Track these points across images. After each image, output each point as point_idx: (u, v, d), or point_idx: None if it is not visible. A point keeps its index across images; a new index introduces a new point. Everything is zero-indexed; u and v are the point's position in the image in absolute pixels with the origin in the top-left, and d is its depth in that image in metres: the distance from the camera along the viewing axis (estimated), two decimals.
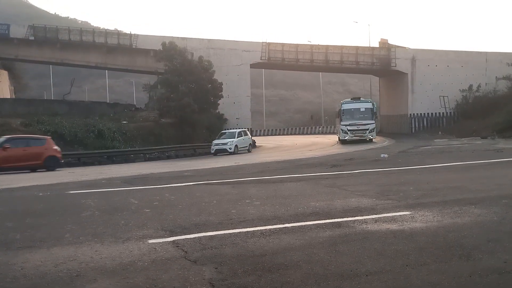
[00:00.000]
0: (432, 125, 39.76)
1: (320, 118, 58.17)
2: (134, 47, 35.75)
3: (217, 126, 33.56)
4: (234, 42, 37.60)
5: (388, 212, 5.93)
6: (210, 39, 37.45)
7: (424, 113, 40.13)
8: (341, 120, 30.85)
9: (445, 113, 39.61)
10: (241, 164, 15.95)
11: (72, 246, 4.71)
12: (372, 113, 30.48)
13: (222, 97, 32.20)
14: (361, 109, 30.81)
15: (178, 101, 27.90)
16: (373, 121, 30.48)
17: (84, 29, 40.73)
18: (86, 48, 36.45)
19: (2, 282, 3.64)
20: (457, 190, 7.73)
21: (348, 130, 30.05)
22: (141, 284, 3.51)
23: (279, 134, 56.44)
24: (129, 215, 6.40)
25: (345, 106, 30.98)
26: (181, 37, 35.45)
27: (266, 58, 37.02)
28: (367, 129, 30.06)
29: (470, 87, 37.47)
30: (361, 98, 33.75)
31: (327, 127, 54.59)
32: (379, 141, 30.33)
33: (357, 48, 39.47)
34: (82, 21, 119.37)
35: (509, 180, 9.01)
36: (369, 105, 31.14)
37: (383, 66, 39.52)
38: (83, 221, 6.00)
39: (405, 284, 3.38)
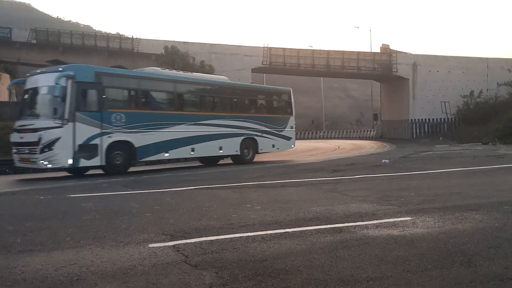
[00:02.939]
0: (433, 131, 39.80)
1: (321, 123, 58.24)
2: (136, 51, 35.83)
3: None
4: (235, 46, 37.69)
5: (389, 218, 5.92)
6: (211, 44, 37.56)
7: (425, 119, 40.15)
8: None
9: (446, 119, 39.65)
10: (242, 169, 15.96)
11: (72, 249, 4.71)
12: (62, 101, 12.48)
13: None
14: (41, 91, 13.40)
15: None
16: (59, 123, 12.46)
17: (86, 33, 40.90)
18: (88, 52, 36.54)
19: (3, 286, 3.64)
20: (458, 196, 7.72)
21: (13, 144, 13.85)
22: None
23: None
24: (129, 219, 6.39)
25: (28, 83, 13.92)
26: (183, 42, 35.56)
27: (268, 63, 37.08)
28: (37, 143, 12.51)
29: (472, 92, 37.53)
30: (61, 67, 13.35)
31: (328, 132, 54.80)
32: (379, 147, 30.03)
33: (358, 53, 39.56)
34: (84, 25, 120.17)
35: (510, 186, 9.00)
36: (59, 80, 12.42)
37: (384, 72, 39.60)
38: (84, 225, 6.00)
39: None
